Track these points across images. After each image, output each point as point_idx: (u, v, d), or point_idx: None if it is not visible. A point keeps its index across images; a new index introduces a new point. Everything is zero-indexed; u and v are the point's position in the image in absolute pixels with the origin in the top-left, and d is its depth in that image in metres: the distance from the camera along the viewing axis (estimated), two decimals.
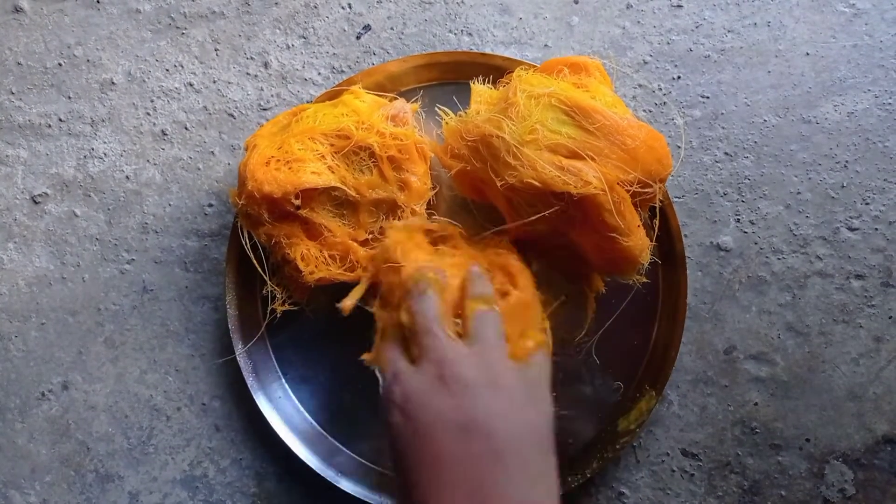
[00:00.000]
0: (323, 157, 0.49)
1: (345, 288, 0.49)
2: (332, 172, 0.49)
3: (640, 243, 0.47)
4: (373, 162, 0.50)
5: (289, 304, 0.52)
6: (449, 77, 0.56)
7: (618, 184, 0.45)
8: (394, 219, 0.50)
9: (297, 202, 0.48)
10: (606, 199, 0.44)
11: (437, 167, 0.53)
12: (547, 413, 0.41)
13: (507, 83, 0.49)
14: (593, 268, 0.50)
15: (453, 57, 0.56)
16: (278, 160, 0.48)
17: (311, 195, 0.49)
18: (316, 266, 0.49)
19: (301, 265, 0.49)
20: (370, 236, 0.50)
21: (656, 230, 0.50)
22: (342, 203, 0.50)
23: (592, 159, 0.45)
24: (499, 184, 0.46)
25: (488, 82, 0.52)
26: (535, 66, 0.51)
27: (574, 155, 0.45)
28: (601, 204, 0.45)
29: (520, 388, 0.40)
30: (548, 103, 0.46)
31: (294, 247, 0.49)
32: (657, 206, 0.48)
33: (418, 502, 0.38)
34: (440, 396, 0.39)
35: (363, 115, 0.50)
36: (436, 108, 0.53)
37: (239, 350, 0.55)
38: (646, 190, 0.46)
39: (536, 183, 0.45)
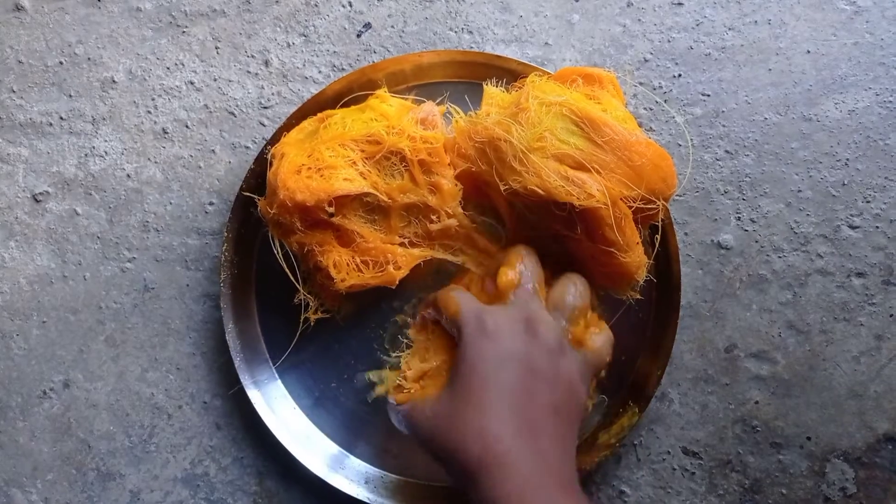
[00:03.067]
0: (354, 163, 0.48)
1: (371, 293, 0.51)
2: (364, 178, 0.48)
3: (637, 260, 0.47)
4: (403, 166, 0.49)
5: (321, 312, 0.52)
6: (463, 76, 0.56)
7: (621, 199, 0.45)
8: (428, 222, 0.50)
9: (331, 209, 0.48)
10: (608, 214, 0.44)
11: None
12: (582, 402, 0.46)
13: (520, 88, 0.49)
14: (589, 280, 0.50)
15: (469, 56, 0.55)
16: (309, 168, 0.48)
17: (342, 202, 0.49)
18: (347, 273, 0.49)
19: (333, 272, 0.49)
20: (401, 241, 0.50)
21: (656, 249, 0.50)
22: (373, 209, 0.50)
23: (598, 172, 0.45)
24: (502, 188, 0.46)
25: (501, 85, 0.51)
26: (549, 74, 0.51)
27: (580, 166, 0.45)
28: (603, 218, 0.45)
29: (575, 371, 0.45)
30: (559, 112, 0.46)
31: (326, 254, 0.49)
32: (659, 224, 0.48)
33: (494, 421, 0.42)
34: (525, 336, 0.44)
35: (392, 119, 0.49)
36: (447, 106, 0.52)
37: (237, 359, 0.55)
38: (648, 207, 0.46)
39: (540, 191, 0.45)
